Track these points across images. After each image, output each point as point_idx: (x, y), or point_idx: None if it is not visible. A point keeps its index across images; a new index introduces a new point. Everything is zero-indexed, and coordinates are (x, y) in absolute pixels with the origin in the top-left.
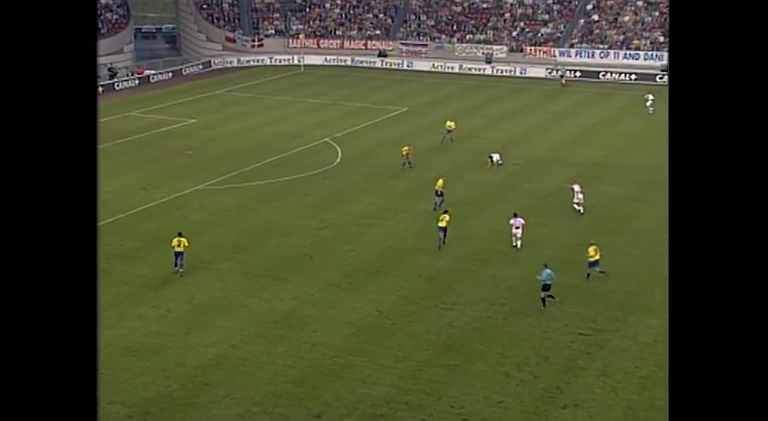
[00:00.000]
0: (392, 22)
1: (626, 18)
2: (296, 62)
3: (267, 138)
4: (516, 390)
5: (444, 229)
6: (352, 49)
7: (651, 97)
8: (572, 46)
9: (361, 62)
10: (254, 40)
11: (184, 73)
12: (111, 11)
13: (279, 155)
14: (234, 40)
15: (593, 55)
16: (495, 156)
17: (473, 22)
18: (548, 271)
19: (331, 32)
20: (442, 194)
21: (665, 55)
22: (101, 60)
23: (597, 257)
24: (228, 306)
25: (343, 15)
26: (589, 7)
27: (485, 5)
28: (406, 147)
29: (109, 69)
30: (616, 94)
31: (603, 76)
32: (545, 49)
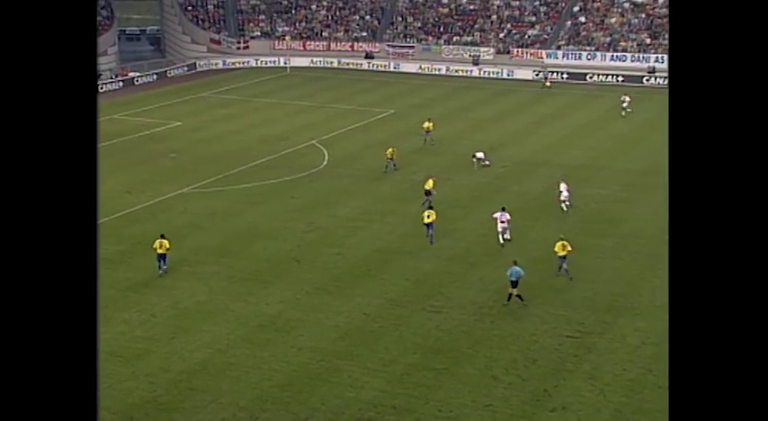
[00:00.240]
0: (379, 23)
1: (613, 20)
2: (282, 64)
3: (253, 141)
4: (504, 394)
5: (430, 225)
6: (339, 50)
7: (627, 99)
8: (559, 48)
9: (348, 64)
10: (239, 42)
11: (169, 75)
12: None
13: (265, 157)
14: (219, 42)
15: (579, 57)
16: (479, 154)
17: (460, 23)
18: (516, 268)
19: (317, 34)
20: (430, 193)
21: (652, 57)
22: None
23: (564, 253)
24: (214, 310)
25: (330, 17)
26: (576, 9)
27: (471, 7)
28: (390, 149)
29: None
30: (603, 95)
31: (590, 77)
32: (532, 50)
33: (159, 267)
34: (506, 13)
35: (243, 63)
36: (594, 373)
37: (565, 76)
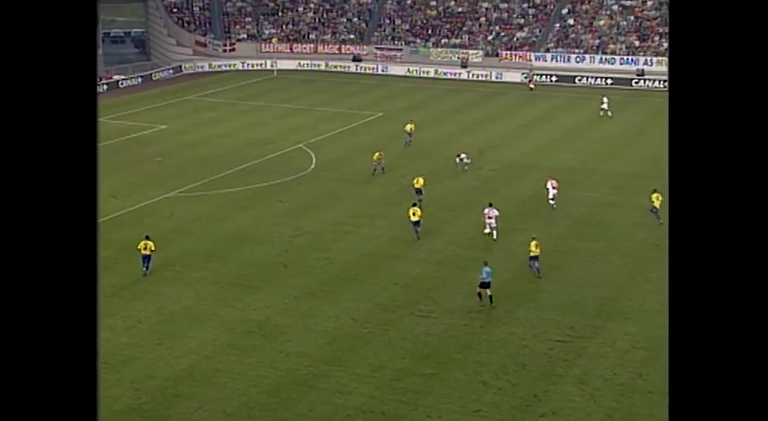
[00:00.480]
0: (366, 26)
1: (601, 22)
2: (269, 67)
3: (240, 144)
4: (494, 399)
5: (417, 223)
6: (326, 53)
7: (606, 100)
8: (548, 50)
9: (336, 67)
10: (225, 45)
11: (154, 78)
12: None
13: (252, 161)
14: (205, 45)
15: (568, 59)
16: (462, 155)
17: (448, 26)
18: (487, 269)
19: (304, 37)
20: (421, 192)
21: (641, 59)
22: None
23: (537, 252)
24: (200, 315)
25: (317, 19)
26: (564, 11)
27: (460, 10)
28: (377, 153)
29: None
30: (592, 98)
31: (579, 80)
32: (521, 53)
33: (143, 267)
34: (495, 15)
35: (229, 66)
36: (585, 378)
37: (554, 78)
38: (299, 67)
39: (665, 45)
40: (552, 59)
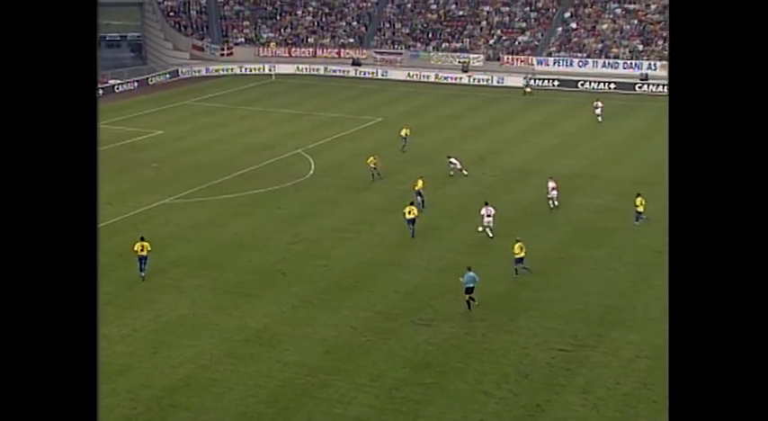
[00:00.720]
0: (366, 29)
1: (604, 26)
2: (267, 71)
3: (237, 150)
4: (496, 409)
5: (413, 221)
6: (325, 57)
7: (600, 104)
8: (550, 54)
9: (335, 71)
10: (223, 49)
11: (151, 82)
12: None
13: (250, 167)
14: (202, 49)
15: (571, 64)
16: (452, 159)
17: (449, 29)
18: (471, 274)
19: (303, 40)
20: (421, 195)
21: (645, 63)
22: None
23: (522, 254)
24: (197, 324)
25: (316, 23)
26: (567, 15)
27: (461, 13)
28: (371, 158)
29: None
30: (604, 103)
31: (582, 85)
32: (522, 57)
33: (140, 269)
34: (496, 19)
35: (226, 70)
36: (588, 387)
37: (556, 83)
38: (297, 72)
39: None
40: (554, 64)
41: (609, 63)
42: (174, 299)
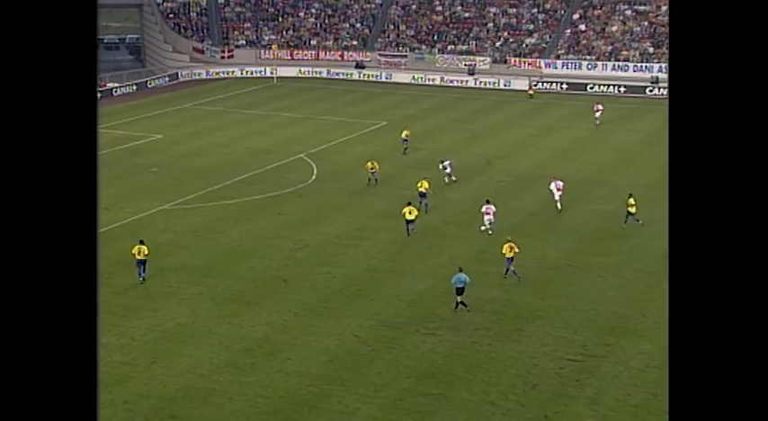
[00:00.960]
0: (370, 31)
1: (614, 28)
2: (268, 74)
3: (238, 155)
4: (502, 420)
5: (412, 221)
6: (328, 60)
7: (600, 107)
8: (558, 57)
9: (338, 74)
10: (223, 51)
11: (150, 86)
12: None
13: (251, 172)
14: (202, 51)
15: (580, 66)
16: (446, 163)
17: (455, 32)
18: (461, 274)
19: (305, 43)
20: (425, 196)
21: (655, 66)
22: None
23: (511, 255)
24: (196, 333)
25: (319, 25)
26: (576, 17)
27: (467, 15)
28: (369, 163)
29: None
30: (604, 107)
31: (591, 88)
32: (530, 60)
33: (139, 274)
34: (503, 20)
35: (227, 73)
36: (597, 398)
37: (564, 86)
38: (299, 75)
39: None
40: (563, 66)
41: (618, 66)
42: (172, 307)
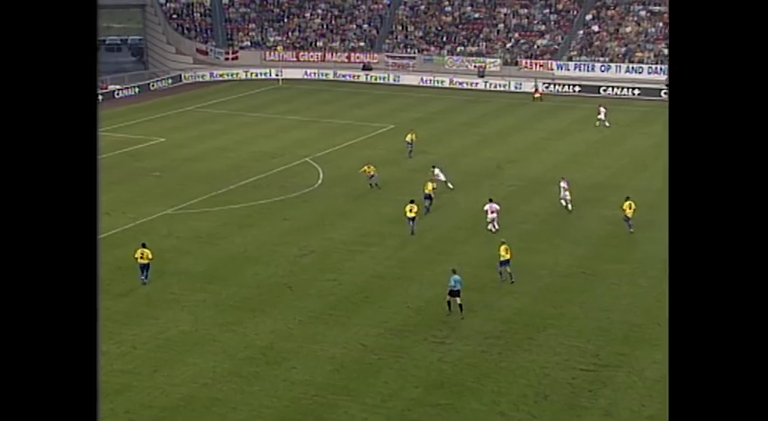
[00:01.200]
0: (377, 33)
1: (628, 29)
2: (273, 76)
3: (242, 158)
4: None
5: (413, 219)
6: (335, 61)
7: (603, 110)
8: (570, 59)
9: (344, 76)
10: (228, 53)
11: (152, 88)
12: None
13: (255, 176)
14: (206, 53)
15: (593, 68)
16: (436, 170)
17: (464, 33)
18: (456, 277)
19: (311, 44)
20: (431, 198)
21: None
22: None
23: (508, 257)
24: (199, 341)
25: (325, 26)
26: (588, 18)
27: (477, 15)
28: (366, 166)
29: None
30: (618, 109)
31: (604, 90)
32: (541, 62)
33: (141, 276)
34: (514, 21)
35: (231, 75)
36: (611, 410)
37: (577, 88)
38: (305, 77)
39: None
40: (575, 68)
41: (633, 68)
42: (175, 314)
